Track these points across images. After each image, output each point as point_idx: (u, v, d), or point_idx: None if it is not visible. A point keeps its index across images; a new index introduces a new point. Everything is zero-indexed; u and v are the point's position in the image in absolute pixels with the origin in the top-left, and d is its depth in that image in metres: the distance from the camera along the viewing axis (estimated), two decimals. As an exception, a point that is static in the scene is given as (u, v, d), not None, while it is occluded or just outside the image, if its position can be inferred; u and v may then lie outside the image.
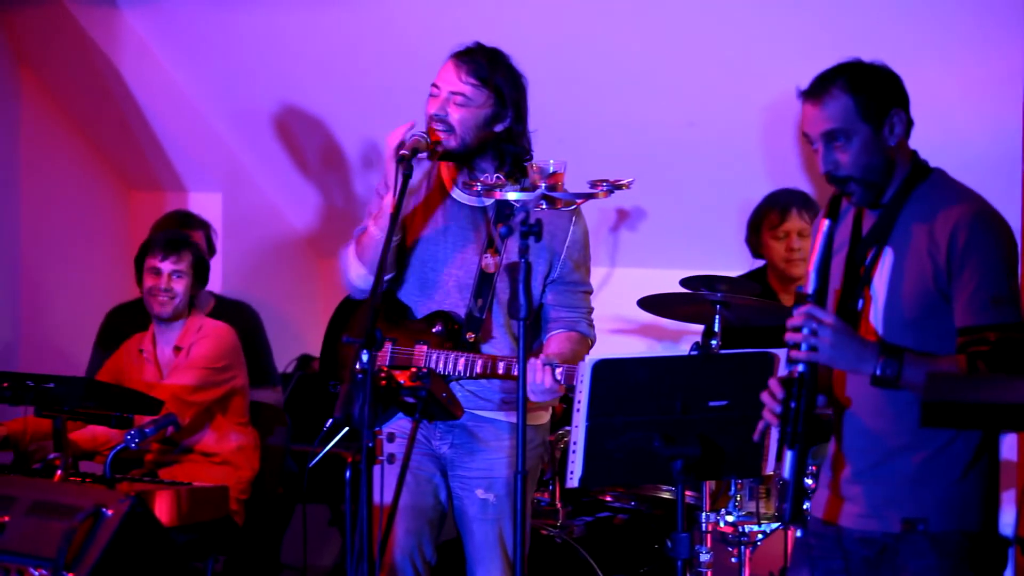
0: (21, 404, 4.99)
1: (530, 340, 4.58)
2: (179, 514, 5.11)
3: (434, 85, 4.47)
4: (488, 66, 4.43)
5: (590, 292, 4.62)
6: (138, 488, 5.02)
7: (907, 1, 5.18)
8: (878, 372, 3.38)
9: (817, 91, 3.54)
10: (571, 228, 4.53)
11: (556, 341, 4.52)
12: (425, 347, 4.45)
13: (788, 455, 3.42)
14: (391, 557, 4.44)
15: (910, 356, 3.39)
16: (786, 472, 3.42)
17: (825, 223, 3.48)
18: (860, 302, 3.54)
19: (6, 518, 4.07)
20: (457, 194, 4.52)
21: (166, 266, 5.70)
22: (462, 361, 4.40)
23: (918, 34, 5.17)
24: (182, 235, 5.95)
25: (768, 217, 5.81)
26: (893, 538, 3.51)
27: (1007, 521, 5.14)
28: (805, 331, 3.38)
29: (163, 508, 5.04)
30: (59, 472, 4.86)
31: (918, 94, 5.34)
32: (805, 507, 4.27)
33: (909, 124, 3.57)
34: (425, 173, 4.56)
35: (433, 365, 4.42)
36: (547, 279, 4.53)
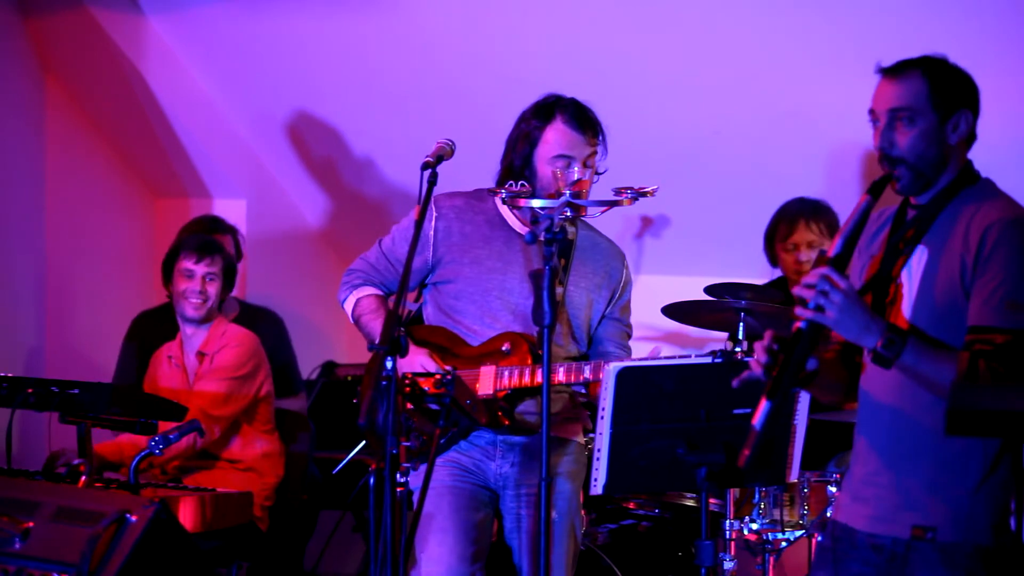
0: (46, 410, 5.00)
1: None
2: (203, 520, 5.12)
3: None
4: None
5: (630, 335, 4.80)
6: (162, 494, 5.03)
7: (936, 11, 5.15)
8: (879, 348, 3.35)
9: (897, 70, 3.55)
10: (624, 270, 4.75)
11: None
12: (493, 367, 4.49)
13: (764, 405, 3.35)
14: None
15: (914, 340, 3.37)
16: (757, 422, 3.36)
17: (866, 198, 3.47)
18: (887, 295, 3.53)
19: (31, 524, 4.08)
20: (520, 227, 4.57)
21: (200, 268, 5.72)
22: (539, 371, 4.42)
23: (948, 44, 5.14)
24: (213, 239, 5.97)
25: (778, 229, 5.82)
26: (902, 545, 3.49)
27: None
28: (818, 289, 3.36)
29: (187, 514, 5.05)
30: (83, 478, 4.87)
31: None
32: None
33: (973, 134, 3.57)
34: (478, 209, 4.63)
35: (506, 381, 4.47)
36: (604, 312, 4.70)
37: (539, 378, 4.41)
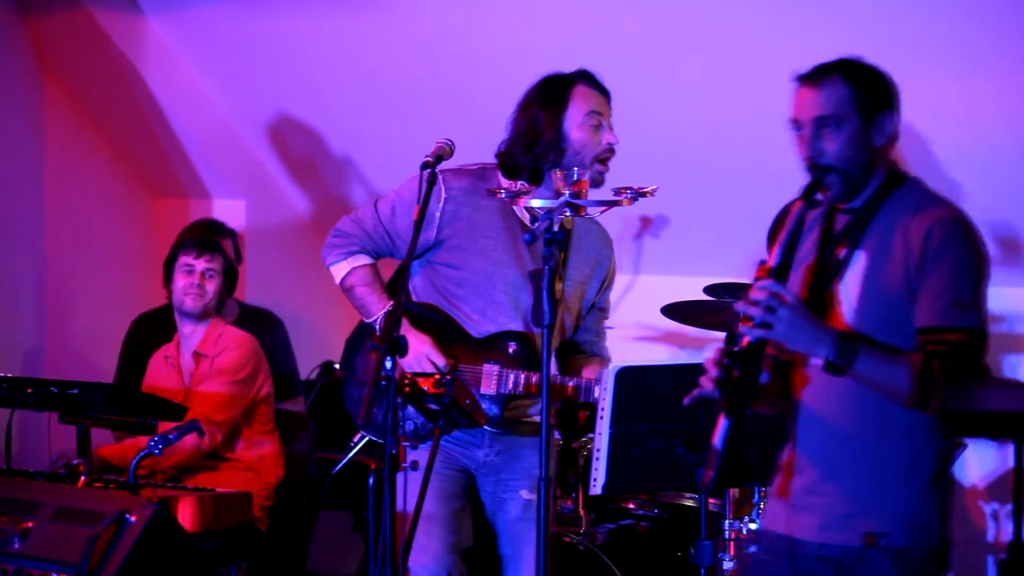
0: (45, 410, 5.00)
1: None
2: (203, 520, 5.12)
3: None
4: None
5: (607, 316, 4.87)
6: (161, 494, 5.03)
7: (936, 11, 5.15)
8: (831, 358, 3.34)
9: (816, 76, 3.54)
10: (612, 257, 4.78)
11: (591, 368, 4.68)
12: (497, 367, 4.50)
13: (723, 423, 3.35)
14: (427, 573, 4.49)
15: (866, 347, 3.36)
16: (717, 440, 3.35)
17: (799, 204, 3.47)
18: (827, 303, 3.51)
19: (30, 524, 4.08)
20: (526, 216, 4.59)
21: (200, 264, 5.74)
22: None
23: (949, 44, 5.15)
24: (215, 240, 6.00)
25: (776, 228, 5.83)
26: (852, 554, 3.47)
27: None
28: (763, 305, 3.35)
29: (187, 514, 5.05)
30: (83, 478, 4.87)
31: (950, 101, 5.32)
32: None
33: (896, 134, 3.56)
34: (485, 193, 4.62)
35: (511, 387, 4.51)
36: (594, 300, 4.75)
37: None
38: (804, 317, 3.35)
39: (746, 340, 3.37)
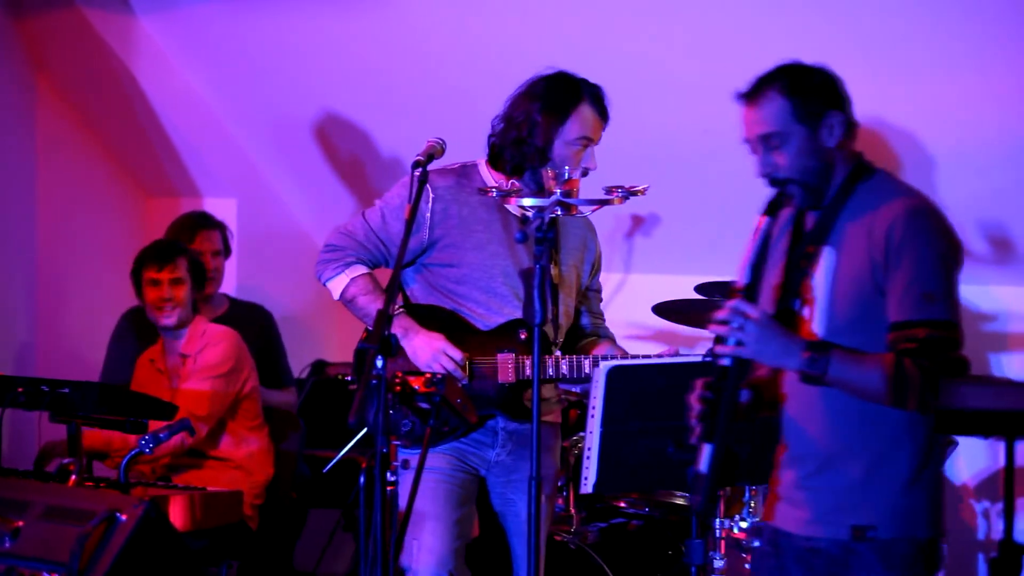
0: (36, 409, 5.00)
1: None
2: (193, 519, 5.12)
3: None
4: None
5: (602, 299, 4.89)
6: (152, 493, 5.02)
7: (936, 11, 5.15)
8: (804, 368, 3.36)
9: (753, 94, 3.55)
10: (596, 241, 4.80)
11: (604, 347, 4.71)
12: (512, 355, 4.51)
13: (706, 448, 3.37)
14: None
15: (837, 353, 3.37)
16: (702, 466, 3.37)
17: (764, 220, 3.47)
18: (798, 302, 3.51)
19: (20, 523, 4.07)
20: (515, 208, 4.58)
21: (164, 276, 5.73)
22: (564, 363, 4.51)
23: (949, 44, 5.15)
24: (173, 243, 5.98)
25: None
26: (840, 547, 3.48)
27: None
28: (732, 325, 3.35)
29: (177, 513, 5.05)
30: (73, 477, 4.86)
31: (947, 101, 5.31)
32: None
33: (851, 126, 3.55)
34: (469, 189, 4.62)
35: (529, 371, 4.51)
36: (588, 284, 4.77)
37: (563, 369, 4.46)
38: (771, 330, 3.37)
39: (720, 363, 3.39)
